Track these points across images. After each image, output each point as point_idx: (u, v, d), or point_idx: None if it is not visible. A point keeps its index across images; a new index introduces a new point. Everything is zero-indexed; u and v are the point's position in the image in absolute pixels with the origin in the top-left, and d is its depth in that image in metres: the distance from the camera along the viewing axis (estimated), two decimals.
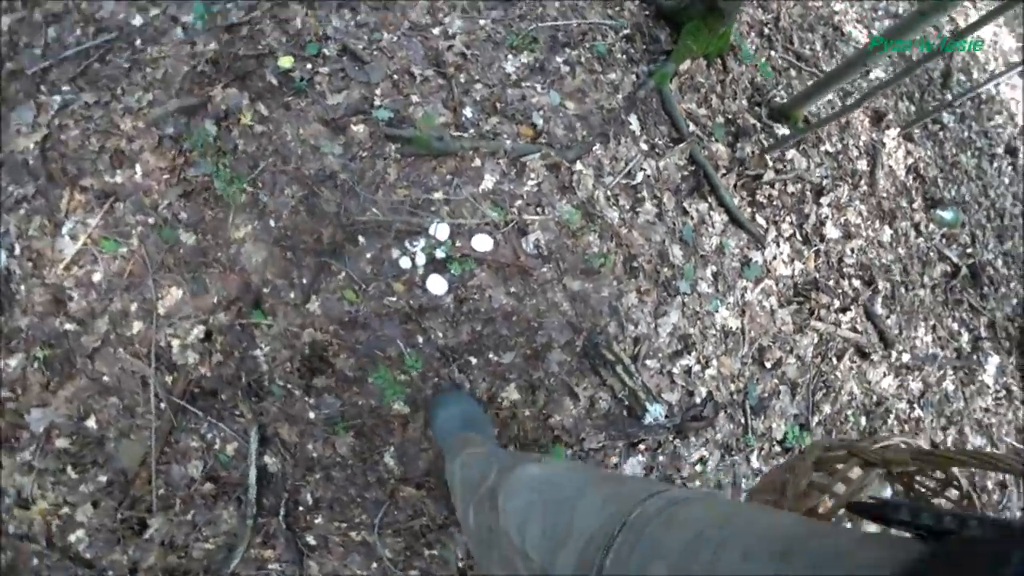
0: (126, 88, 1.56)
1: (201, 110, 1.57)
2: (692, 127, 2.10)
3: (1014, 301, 2.83)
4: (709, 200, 2.06)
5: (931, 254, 2.66)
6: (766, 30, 2.58)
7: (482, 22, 1.89)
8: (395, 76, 1.73)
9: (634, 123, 1.98)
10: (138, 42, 1.61)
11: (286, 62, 1.65)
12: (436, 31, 1.84)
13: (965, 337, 2.61)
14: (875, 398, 2.24)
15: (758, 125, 2.29)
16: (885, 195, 2.56)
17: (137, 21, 1.63)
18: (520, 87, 1.84)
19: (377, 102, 1.68)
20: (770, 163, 2.20)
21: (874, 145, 2.62)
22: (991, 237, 2.92)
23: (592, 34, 2.05)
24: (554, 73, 1.91)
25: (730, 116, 2.24)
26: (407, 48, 1.77)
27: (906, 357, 2.35)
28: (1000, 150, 3.27)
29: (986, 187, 3.06)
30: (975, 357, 2.58)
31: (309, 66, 1.67)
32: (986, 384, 2.57)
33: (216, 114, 1.57)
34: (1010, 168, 3.25)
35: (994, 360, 2.63)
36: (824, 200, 2.32)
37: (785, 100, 2.40)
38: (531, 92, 1.84)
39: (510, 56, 1.88)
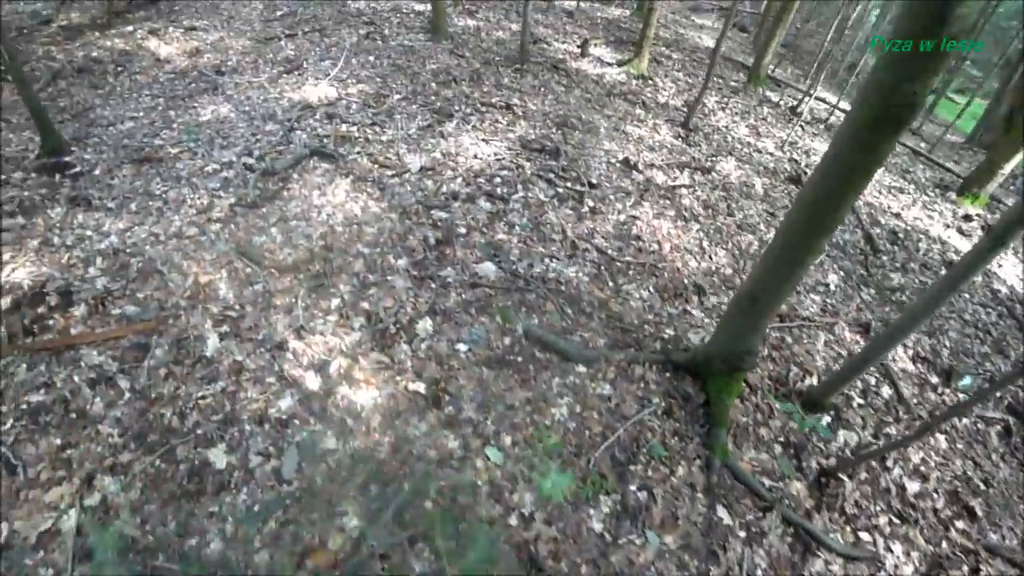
0: None
1: None
2: (767, 481, 2.10)
3: None
4: (820, 554, 1.98)
5: (978, 425, 2.73)
6: None
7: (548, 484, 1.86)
8: None
9: (724, 515, 1.94)
10: None
11: None
12: (514, 520, 1.77)
13: None
14: None
15: (805, 431, 2.35)
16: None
17: None
18: (620, 548, 1.76)
19: None
20: (839, 475, 2.21)
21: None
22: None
23: (642, 434, 2.08)
24: (639, 509, 1.87)
25: (783, 438, 2.29)
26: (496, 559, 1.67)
27: None
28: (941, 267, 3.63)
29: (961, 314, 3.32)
30: None
31: None
32: None
33: None
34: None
35: None
36: (892, 466, 2.34)
37: (809, 387, 2.53)
38: (632, 550, 1.76)
39: (591, 510, 1.83)
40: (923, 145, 7.19)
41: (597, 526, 1.81)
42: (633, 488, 1.92)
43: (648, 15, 6.11)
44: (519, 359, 2.25)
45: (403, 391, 2.07)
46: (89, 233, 2.60)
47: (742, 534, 1.93)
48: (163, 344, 2.10)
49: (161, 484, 1.70)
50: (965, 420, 2.85)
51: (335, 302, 2.41)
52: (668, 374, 2.34)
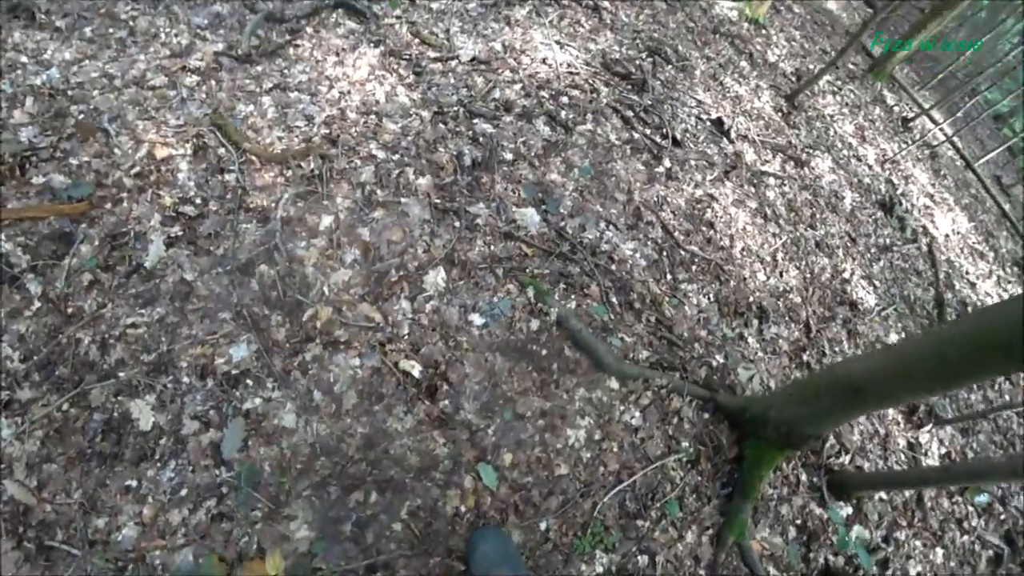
0: None
1: None
2: (772, 571, 1.80)
3: None
4: None
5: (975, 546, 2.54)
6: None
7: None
8: None
9: None
10: None
11: None
12: None
13: None
14: None
15: (823, 517, 2.05)
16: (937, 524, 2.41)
17: None
18: None
19: None
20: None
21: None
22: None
23: (660, 485, 1.72)
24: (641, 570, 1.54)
25: (800, 520, 1.98)
26: None
27: None
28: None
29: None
30: None
31: None
32: None
33: None
34: None
35: None
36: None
37: (841, 467, 2.20)
38: None
39: (583, 567, 1.50)
40: (1008, 207, 6.52)
41: None
42: (635, 549, 1.58)
43: None
44: (543, 352, 1.79)
45: (391, 368, 1.60)
46: (24, 60, 1.88)
47: None
48: (93, 238, 1.54)
49: (68, 437, 1.26)
50: (966, 537, 2.64)
51: (326, 220, 1.84)
52: (707, 415, 1.94)
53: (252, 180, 1.85)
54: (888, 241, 3.79)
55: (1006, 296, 4.40)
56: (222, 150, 1.88)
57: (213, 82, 2.09)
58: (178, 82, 2.04)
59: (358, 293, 1.75)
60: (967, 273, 4.26)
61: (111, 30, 2.14)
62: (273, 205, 1.82)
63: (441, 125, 2.34)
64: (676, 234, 2.52)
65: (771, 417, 1.82)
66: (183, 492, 1.29)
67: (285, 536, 1.28)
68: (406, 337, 1.69)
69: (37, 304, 1.42)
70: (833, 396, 1.63)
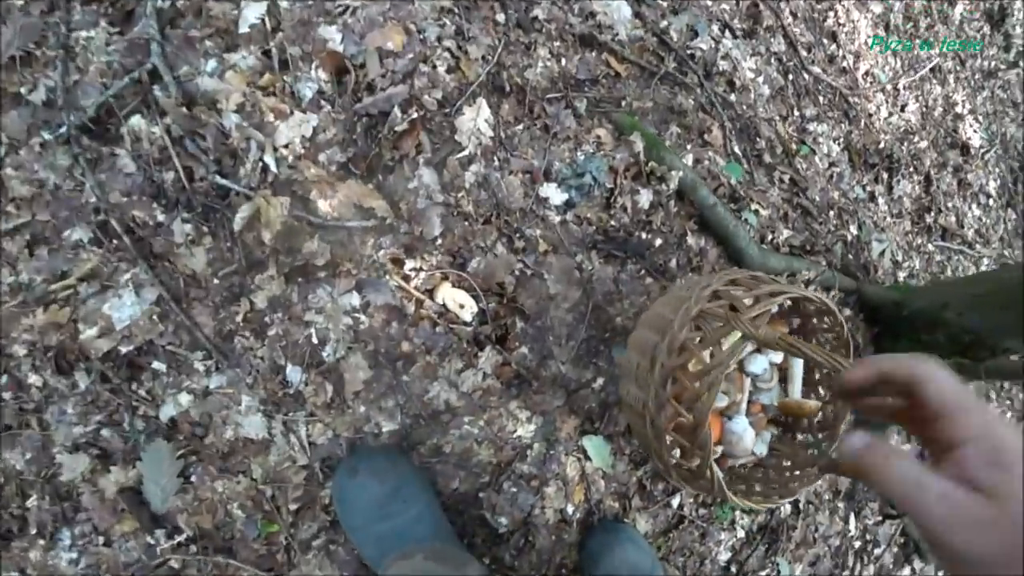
0: None
1: None
2: None
3: None
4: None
5: None
6: None
7: None
8: None
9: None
10: None
11: None
12: None
13: None
14: None
15: None
16: None
17: None
18: None
19: None
20: None
21: None
22: None
23: None
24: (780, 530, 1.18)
25: None
26: None
27: None
28: None
29: None
30: None
31: None
32: None
33: None
34: None
35: None
36: None
37: None
38: None
39: (722, 536, 1.11)
40: None
41: (724, 556, 1.12)
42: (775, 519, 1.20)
43: None
44: (657, 244, 1.16)
45: (419, 300, 0.95)
46: None
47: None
48: None
49: None
50: None
51: (253, 10, 0.97)
52: (848, 311, 1.45)
53: None
54: (993, 64, 3.06)
55: None
56: None
57: None
58: None
59: (335, 159, 1.01)
60: None
61: None
62: None
63: None
64: (799, 46, 1.75)
65: (948, 319, 1.34)
66: None
67: None
68: (438, 241, 1.03)
69: None
70: None
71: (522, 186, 1.14)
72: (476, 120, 1.16)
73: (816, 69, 1.79)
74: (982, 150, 2.63)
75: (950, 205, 2.20)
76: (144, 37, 0.94)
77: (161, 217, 0.91)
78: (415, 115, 1.08)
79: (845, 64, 1.95)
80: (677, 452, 0.86)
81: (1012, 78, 3.22)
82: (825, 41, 1.91)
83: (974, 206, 2.41)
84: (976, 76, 2.92)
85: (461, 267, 1.06)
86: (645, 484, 1.08)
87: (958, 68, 2.75)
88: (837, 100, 1.81)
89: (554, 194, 1.15)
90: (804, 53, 1.78)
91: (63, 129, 0.88)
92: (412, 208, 1.05)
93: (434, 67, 1.12)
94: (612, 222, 1.15)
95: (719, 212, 1.20)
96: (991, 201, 2.54)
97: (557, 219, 1.13)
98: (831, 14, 1.97)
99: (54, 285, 0.85)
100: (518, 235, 1.10)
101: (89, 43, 0.92)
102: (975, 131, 2.64)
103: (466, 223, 1.07)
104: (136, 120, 0.92)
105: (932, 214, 2.01)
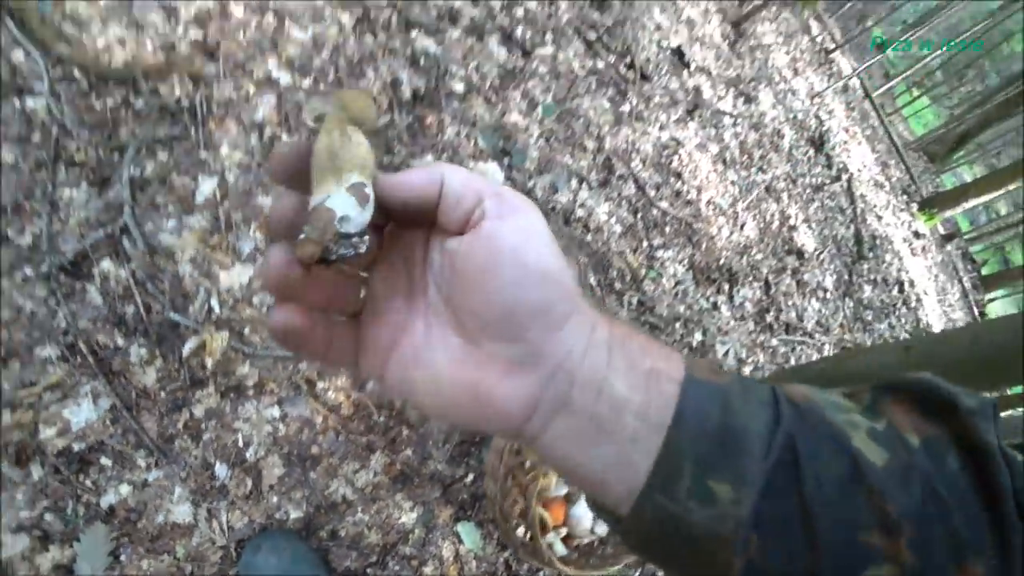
0: None
1: None
2: None
3: None
4: None
5: None
6: None
7: None
8: None
9: None
10: None
11: None
12: None
13: None
14: None
15: None
16: None
17: None
18: None
19: None
20: None
21: None
22: None
23: None
24: None
25: None
26: None
27: None
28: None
29: None
30: None
31: None
32: None
33: None
34: None
35: None
36: None
37: None
38: None
39: None
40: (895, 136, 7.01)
41: None
42: None
43: None
44: None
45: (326, 414, 1.15)
46: None
47: None
48: None
49: None
50: None
51: (206, 185, 1.24)
52: None
53: (76, 111, 1.17)
54: (819, 180, 3.81)
55: (898, 228, 4.77)
56: (20, 54, 1.15)
57: None
58: None
59: (266, 302, 1.23)
60: (875, 207, 4.51)
61: None
62: (116, 157, 1.17)
63: (368, 37, 1.70)
64: (648, 188, 2.20)
65: None
66: None
67: None
68: (341, 371, 1.24)
69: None
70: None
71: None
72: None
73: (664, 204, 2.25)
74: (816, 252, 3.23)
75: (790, 303, 2.68)
76: (119, 201, 1.15)
77: (121, 342, 1.07)
78: None
79: (690, 196, 2.44)
80: (522, 532, 1.06)
81: (837, 189, 4.00)
82: (672, 179, 2.40)
83: (813, 300, 2.92)
84: (807, 191, 3.62)
85: (360, 388, 1.26)
86: (511, 564, 1.26)
87: (790, 186, 3.42)
88: (683, 228, 2.26)
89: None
90: (652, 192, 2.23)
91: (44, 267, 1.04)
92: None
93: None
94: None
95: None
96: (828, 295, 3.09)
97: None
98: (675, 157, 2.49)
99: (22, 392, 0.97)
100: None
101: (71, 200, 1.11)
102: (809, 237, 3.25)
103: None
104: (106, 264, 1.10)
105: (772, 313, 2.45)
